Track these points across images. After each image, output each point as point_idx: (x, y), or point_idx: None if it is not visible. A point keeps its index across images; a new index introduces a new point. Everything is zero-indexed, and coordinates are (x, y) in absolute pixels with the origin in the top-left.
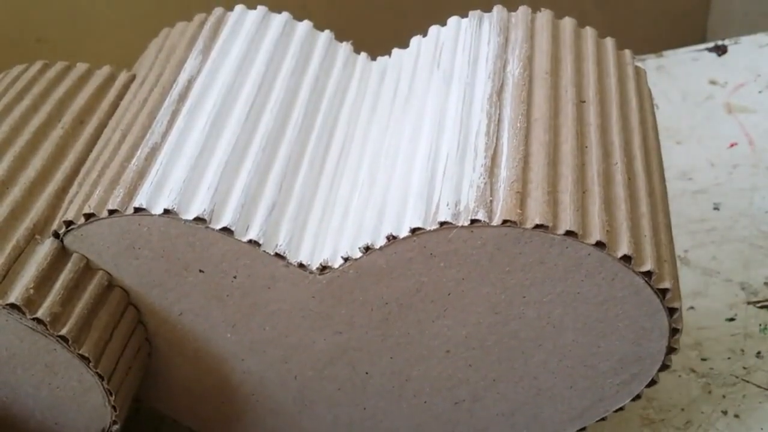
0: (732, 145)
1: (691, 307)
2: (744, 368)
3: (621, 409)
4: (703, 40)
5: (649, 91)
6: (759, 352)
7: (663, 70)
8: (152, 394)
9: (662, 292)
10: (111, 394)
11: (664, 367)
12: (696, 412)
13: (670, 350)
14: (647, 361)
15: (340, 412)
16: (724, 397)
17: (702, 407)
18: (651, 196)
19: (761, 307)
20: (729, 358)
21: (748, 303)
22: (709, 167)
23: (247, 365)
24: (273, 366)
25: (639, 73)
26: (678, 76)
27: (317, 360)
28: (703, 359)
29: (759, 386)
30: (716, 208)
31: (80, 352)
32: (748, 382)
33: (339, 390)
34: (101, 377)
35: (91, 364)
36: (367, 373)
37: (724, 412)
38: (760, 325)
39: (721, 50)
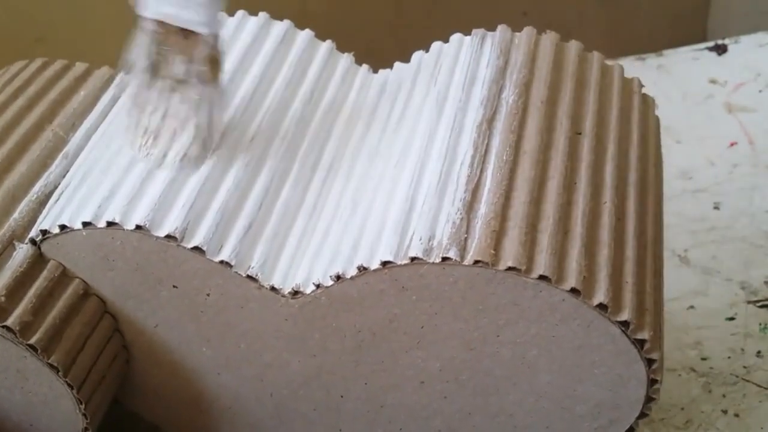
0: (732, 145)
1: (691, 307)
2: (744, 367)
3: None
4: (703, 40)
5: (657, 121)
6: (759, 352)
7: (663, 69)
8: (131, 399)
9: (640, 343)
10: (81, 403)
11: (643, 415)
12: (696, 412)
13: (649, 399)
14: (625, 408)
15: (317, 431)
16: (724, 396)
17: (702, 406)
18: (639, 239)
19: (761, 307)
20: (729, 358)
21: (748, 302)
22: (709, 166)
23: (223, 380)
24: (249, 382)
25: (646, 103)
26: (678, 76)
27: (292, 380)
28: (703, 358)
29: (759, 385)
30: (716, 208)
31: (49, 361)
32: (748, 381)
33: (314, 410)
34: (71, 386)
35: (60, 373)
36: (342, 396)
37: (724, 411)
38: (760, 324)
39: (721, 49)
